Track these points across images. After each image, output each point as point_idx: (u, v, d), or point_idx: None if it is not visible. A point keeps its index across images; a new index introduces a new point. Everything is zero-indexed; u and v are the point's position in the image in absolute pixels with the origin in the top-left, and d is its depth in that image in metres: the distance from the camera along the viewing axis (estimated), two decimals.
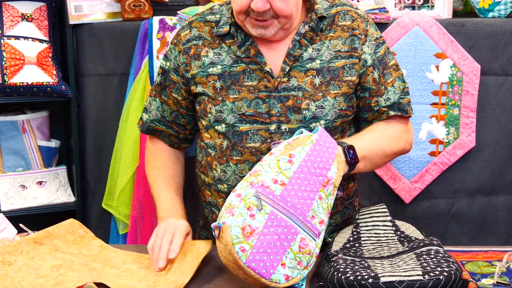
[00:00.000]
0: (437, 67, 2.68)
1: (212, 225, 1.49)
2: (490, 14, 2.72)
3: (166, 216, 1.86)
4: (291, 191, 1.52)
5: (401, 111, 1.85)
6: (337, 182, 1.61)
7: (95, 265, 1.66)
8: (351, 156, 1.67)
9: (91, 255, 1.73)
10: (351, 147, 1.68)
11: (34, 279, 1.54)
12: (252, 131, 1.78)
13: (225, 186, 1.83)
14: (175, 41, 1.88)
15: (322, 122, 1.77)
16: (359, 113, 1.88)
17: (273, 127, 1.77)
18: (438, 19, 2.69)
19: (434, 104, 2.70)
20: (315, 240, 1.54)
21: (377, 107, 1.84)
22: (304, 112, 1.76)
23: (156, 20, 2.64)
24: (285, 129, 1.77)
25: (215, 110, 1.80)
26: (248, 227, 1.47)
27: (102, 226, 2.80)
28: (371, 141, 1.78)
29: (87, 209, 2.82)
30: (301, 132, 1.67)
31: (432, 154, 2.73)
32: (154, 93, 1.96)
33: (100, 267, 1.65)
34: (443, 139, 2.72)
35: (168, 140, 1.98)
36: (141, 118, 2.00)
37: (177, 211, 1.88)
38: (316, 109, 1.77)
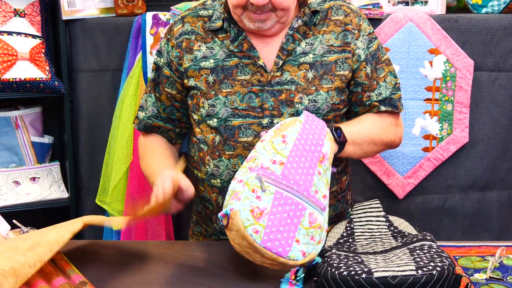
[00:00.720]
0: (431, 62, 2.68)
1: (220, 214, 1.48)
2: (484, 10, 2.72)
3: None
4: (291, 169, 1.52)
5: (392, 106, 1.86)
6: (331, 158, 1.62)
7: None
8: (338, 135, 1.68)
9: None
10: (338, 128, 1.70)
11: None
12: (244, 125, 1.78)
13: (218, 181, 1.83)
14: (168, 36, 1.89)
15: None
16: (350, 107, 1.88)
17: (265, 121, 1.77)
18: (432, 15, 2.69)
19: (427, 99, 2.71)
20: (322, 214, 1.55)
21: (369, 102, 1.85)
22: (297, 105, 1.77)
23: (149, 15, 2.64)
24: (278, 123, 1.77)
25: (208, 104, 1.80)
26: (257, 208, 1.46)
27: None
28: (360, 128, 1.80)
29: (81, 205, 2.82)
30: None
31: (426, 149, 2.74)
32: (149, 89, 1.95)
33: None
34: (437, 134, 2.73)
35: (167, 136, 1.97)
36: (136, 116, 1.98)
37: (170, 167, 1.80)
38: (309, 103, 1.77)
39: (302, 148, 1.56)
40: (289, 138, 1.56)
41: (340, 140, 1.69)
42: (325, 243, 1.68)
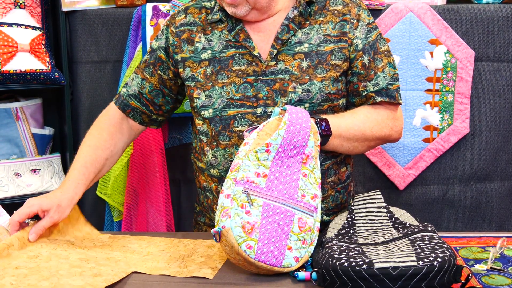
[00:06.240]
0: (431, 53, 2.68)
1: (212, 231, 1.53)
2: (484, 0, 2.71)
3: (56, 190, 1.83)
4: (273, 180, 1.57)
5: (388, 97, 1.84)
6: (316, 154, 1.64)
7: (116, 255, 1.65)
8: (322, 128, 1.69)
9: (107, 245, 1.73)
10: (324, 120, 1.70)
11: (69, 268, 1.52)
12: (239, 115, 1.79)
13: (217, 171, 1.84)
14: (169, 23, 1.91)
15: (307, 105, 1.78)
16: (347, 98, 1.88)
17: (259, 110, 1.78)
18: (432, 5, 2.68)
19: (428, 90, 2.70)
20: (312, 216, 1.59)
21: (365, 92, 1.84)
22: (290, 95, 1.78)
23: (149, 6, 2.63)
24: (272, 112, 1.77)
25: (205, 96, 1.81)
26: (248, 224, 1.51)
27: (97, 214, 2.80)
28: (350, 121, 1.79)
29: (81, 196, 2.81)
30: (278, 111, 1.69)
31: (426, 140, 2.74)
32: (139, 70, 1.97)
33: (121, 255, 1.65)
34: (437, 125, 2.72)
35: (139, 118, 1.99)
36: (118, 92, 2.01)
37: (69, 185, 1.83)
38: (302, 92, 1.78)
39: (284, 156, 1.59)
40: (272, 146, 1.58)
41: (324, 133, 1.69)
42: (325, 235, 1.68)
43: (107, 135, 1.95)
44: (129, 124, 2.00)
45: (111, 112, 2.00)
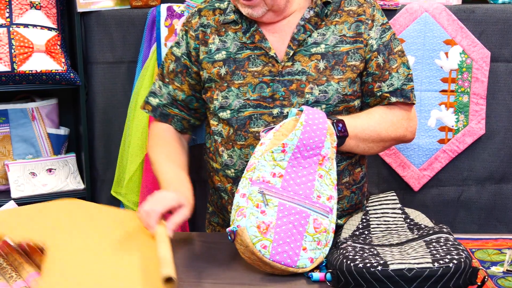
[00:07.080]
0: (446, 54, 2.66)
1: (227, 230, 1.53)
2: (501, 0, 2.70)
3: (169, 187, 1.76)
4: (289, 180, 1.57)
5: (403, 97, 1.84)
6: (332, 155, 1.64)
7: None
8: (339, 129, 1.69)
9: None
10: (340, 121, 1.70)
11: None
12: (255, 115, 1.79)
13: (232, 171, 1.85)
14: (186, 28, 1.91)
15: (324, 106, 1.78)
16: (362, 98, 1.88)
17: (276, 111, 1.78)
18: (448, 5, 2.67)
19: (443, 91, 2.69)
20: (327, 217, 1.59)
21: (380, 93, 1.84)
22: (307, 96, 1.78)
23: (164, 7, 2.64)
24: (288, 112, 1.77)
25: (222, 96, 1.81)
26: (263, 223, 1.51)
27: None
28: (366, 122, 1.79)
29: (96, 196, 2.83)
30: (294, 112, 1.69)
31: (441, 141, 2.73)
32: (167, 80, 1.95)
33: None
34: (453, 126, 2.71)
35: (180, 125, 1.98)
36: (148, 102, 1.97)
37: (181, 183, 1.79)
38: (319, 94, 1.78)
39: (300, 156, 1.60)
40: (289, 147, 1.59)
41: (340, 135, 1.69)
42: (340, 235, 1.68)
43: (178, 145, 1.94)
44: (178, 134, 1.99)
45: (163, 127, 1.97)
